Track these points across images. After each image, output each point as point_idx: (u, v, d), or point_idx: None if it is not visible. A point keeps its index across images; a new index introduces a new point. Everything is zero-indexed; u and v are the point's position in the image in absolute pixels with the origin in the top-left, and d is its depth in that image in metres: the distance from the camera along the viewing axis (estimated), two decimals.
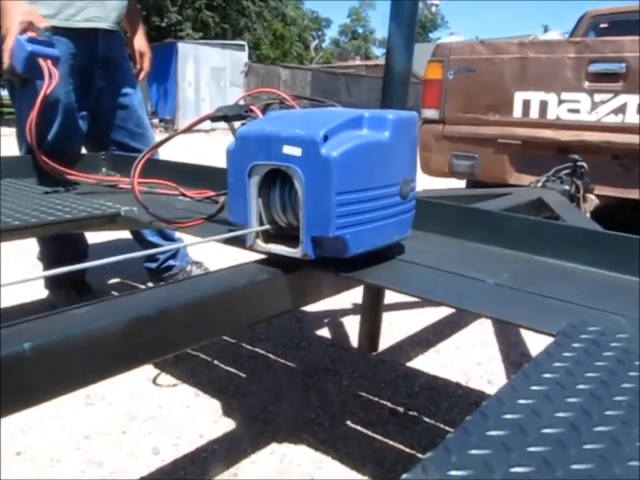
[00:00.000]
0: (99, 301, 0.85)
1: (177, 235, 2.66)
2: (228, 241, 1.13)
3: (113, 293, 2.79)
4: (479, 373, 2.15)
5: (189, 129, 1.30)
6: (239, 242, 1.08)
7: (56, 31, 1.95)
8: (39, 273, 0.75)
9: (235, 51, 19.08)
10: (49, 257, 2.59)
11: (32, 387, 0.72)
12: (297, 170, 0.95)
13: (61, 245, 2.54)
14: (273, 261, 1.05)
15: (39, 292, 2.65)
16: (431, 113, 3.54)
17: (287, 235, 1.05)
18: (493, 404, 0.61)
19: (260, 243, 1.05)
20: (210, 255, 3.12)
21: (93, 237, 3.17)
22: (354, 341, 2.34)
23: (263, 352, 2.23)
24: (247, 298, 0.98)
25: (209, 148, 11.51)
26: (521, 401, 0.61)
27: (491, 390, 2.02)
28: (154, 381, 1.99)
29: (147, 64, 2.49)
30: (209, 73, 18.34)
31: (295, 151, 0.94)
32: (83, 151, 2.39)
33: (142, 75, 2.49)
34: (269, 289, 1.02)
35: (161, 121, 17.60)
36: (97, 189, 1.76)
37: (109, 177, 1.98)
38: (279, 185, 1.01)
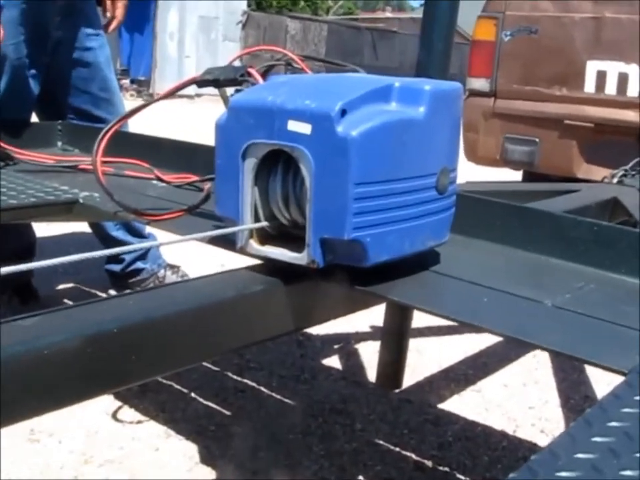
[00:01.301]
0: (48, 311, 0.86)
1: (148, 230, 2.68)
2: (213, 240, 1.14)
3: (66, 301, 2.81)
4: (530, 420, 2.15)
5: (168, 96, 1.31)
6: (226, 242, 1.09)
7: None
8: None
9: None
10: None
11: None
12: (305, 152, 0.95)
13: (2, 237, 2.56)
14: (270, 268, 1.05)
15: None
16: (479, 84, 3.54)
17: (289, 236, 1.06)
18: (545, 458, 0.61)
19: (254, 245, 1.06)
20: (189, 257, 3.13)
21: (42, 229, 3.19)
22: (371, 374, 2.35)
23: (254, 384, 2.24)
24: (234, 314, 0.99)
25: (193, 118, 11.50)
26: (580, 456, 0.62)
27: (544, 441, 2.01)
28: (114, 416, 2.00)
29: (120, 11, 2.50)
30: (197, 23, 18.39)
31: (304, 128, 0.95)
32: (34, 118, 2.41)
33: (113, 25, 2.50)
34: (264, 304, 1.02)
35: (132, 82, 17.64)
36: (49, 168, 1.77)
37: (65, 155, 2.00)
38: (281, 171, 1.02)
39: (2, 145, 1.76)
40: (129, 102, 2.90)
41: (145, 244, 0.96)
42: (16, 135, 1.87)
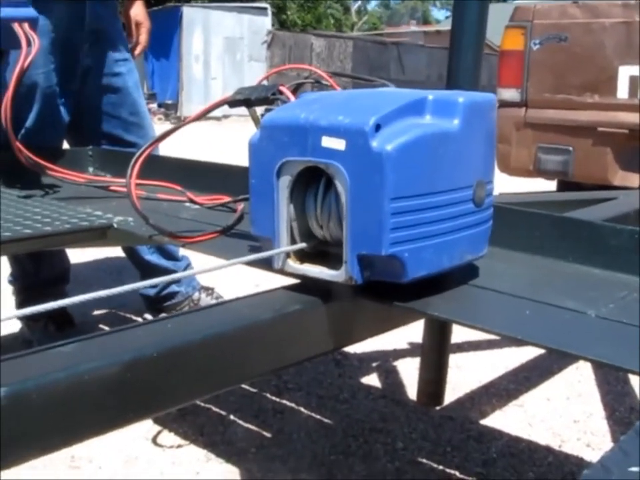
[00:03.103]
0: (85, 337, 0.86)
1: (182, 252, 2.70)
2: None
3: (102, 327, 2.84)
4: (575, 434, 2.12)
5: (199, 117, 1.32)
6: (262, 261, 1.09)
7: None
8: (9, 311, 0.77)
9: (254, 15, 19.30)
10: (22, 281, 2.64)
11: (4, 446, 0.73)
12: (340, 168, 0.95)
13: (36, 265, 2.59)
14: (307, 286, 1.05)
15: (10, 324, 2.70)
16: (509, 94, 3.53)
17: (326, 253, 1.06)
18: (596, 474, 0.60)
19: (292, 264, 1.06)
20: (223, 278, 3.14)
21: (76, 255, 3.22)
22: (411, 392, 2.33)
23: (293, 405, 2.24)
24: (273, 336, 0.98)
25: (223, 140, 11.61)
26: (634, 469, 0.60)
27: (590, 456, 1.98)
28: (154, 441, 2.01)
29: (144, 36, 2.54)
30: (222, 44, 18.59)
31: (338, 144, 0.95)
32: (65, 145, 2.44)
33: (138, 50, 2.54)
34: (303, 324, 1.02)
35: (160, 106, 17.86)
36: (82, 193, 1.79)
37: (98, 177, 2.01)
38: (316, 188, 1.02)
39: (36, 158, 1.75)
40: (157, 125, 2.92)
41: (188, 272, 0.97)
42: (48, 161, 1.88)
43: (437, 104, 1.01)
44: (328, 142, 0.96)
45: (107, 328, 2.77)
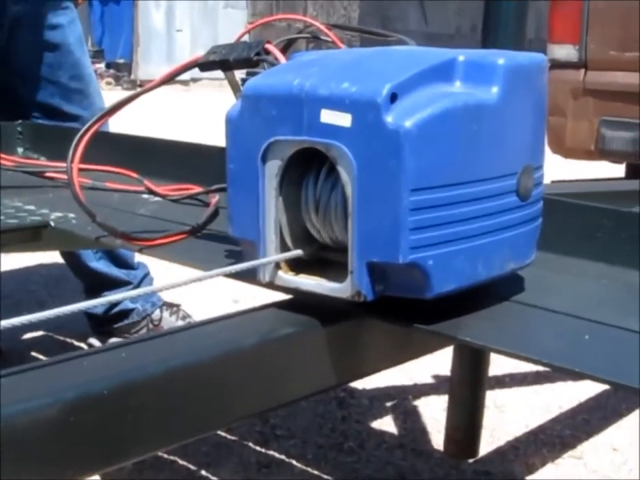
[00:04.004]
0: (14, 370, 0.86)
1: (138, 257, 2.70)
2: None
3: (35, 356, 2.83)
4: None
5: (161, 84, 1.32)
6: (245, 272, 1.09)
7: None
8: None
9: None
10: None
11: None
12: (344, 150, 0.95)
13: None
14: (302, 304, 1.05)
15: None
16: (564, 52, 3.53)
17: (327, 261, 1.06)
18: None
19: (282, 275, 1.06)
20: (192, 291, 3.14)
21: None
22: (436, 440, 2.33)
23: (283, 457, 2.24)
24: (258, 367, 0.98)
25: (191, 111, 11.61)
26: None
27: None
28: None
29: None
30: None
31: (342, 119, 0.95)
32: None
33: None
34: (296, 353, 1.02)
35: (109, 67, 17.83)
36: (8, 181, 1.79)
37: (30, 160, 2.01)
38: (314, 176, 1.02)
39: None
40: (105, 93, 2.92)
41: (146, 289, 0.96)
42: None
43: (469, 67, 1.01)
44: (329, 117, 0.96)
45: (41, 357, 2.76)
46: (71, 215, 1.46)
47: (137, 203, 1.60)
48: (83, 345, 2.89)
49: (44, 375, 0.87)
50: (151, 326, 2.79)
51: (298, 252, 1.05)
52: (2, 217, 1.47)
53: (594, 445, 2.38)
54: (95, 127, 1.25)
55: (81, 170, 1.27)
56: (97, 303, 0.97)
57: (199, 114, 11.13)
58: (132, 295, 1.12)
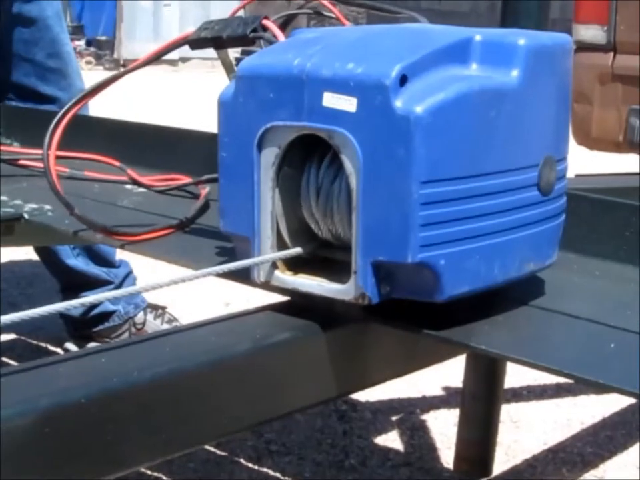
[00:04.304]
0: None
1: (120, 254, 2.69)
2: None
3: (6, 361, 2.83)
4: None
5: (147, 63, 1.32)
6: (237, 271, 1.09)
7: None
8: None
9: None
10: None
11: None
12: (349, 138, 0.95)
13: None
14: (300, 306, 1.06)
15: None
16: (591, 33, 3.53)
17: (329, 261, 1.06)
18: None
19: (279, 275, 1.06)
20: (179, 292, 3.14)
21: None
22: (446, 458, 2.33)
23: (278, 475, 2.24)
24: (251, 376, 0.99)
25: (180, 93, 11.61)
26: None
27: None
28: None
29: None
30: None
31: (346, 104, 0.95)
32: None
33: None
34: (293, 360, 1.03)
35: (90, 44, 17.82)
36: None
37: (3, 146, 2.01)
38: (315, 165, 1.02)
39: None
40: (86, 72, 2.92)
41: (129, 289, 0.96)
42: None
43: (487, 48, 1.01)
44: (332, 100, 0.96)
45: (13, 363, 2.76)
46: (47, 207, 1.46)
47: (119, 194, 1.60)
48: (58, 350, 2.89)
49: (16, 382, 0.87)
50: (133, 330, 2.79)
51: (297, 250, 1.05)
52: None
53: (617, 463, 2.38)
54: (74, 110, 1.25)
55: (58, 157, 1.27)
56: (75, 304, 0.97)
57: (188, 97, 11.14)
58: (113, 295, 1.12)
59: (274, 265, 1.06)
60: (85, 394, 0.84)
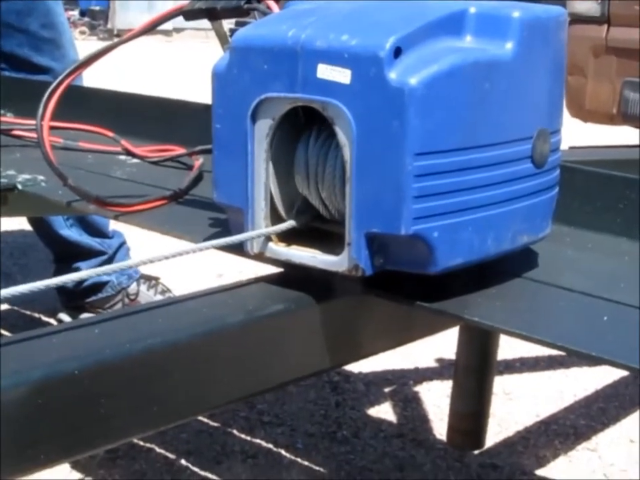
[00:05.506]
0: None
1: (113, 225, 2.69)
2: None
3: (0, 332, 2.83)
4: None
5: (141, 34, 1.31)
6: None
7: None
8: None
9: None
10: None
11: None
12: (343, 109, 0.94)
13: None
14: (293, 278, 1.06)
15: None
16: (585, 5, 3.53)
17: (322, 232, 1.06)
18: None
19: (273, 246, 1.06)
20: (171, 263, 3.13)
21: None
22: (439, 429, 2.34)
23: (270, 446, 2.24)
24: (244, 348, 0.99)
25: (174, 64, 11.58)
26: None
27: None
28: None
29: None
30: None
31: (340, 75, 0.95)
32: None
33: None
34: (287, 332, 1.03)
35: (83, 14, 17.76)
36: None
37: None
38: (309, 137, 1.02)
39: None
40: (79, 43, 2.91)
41: (124, 263, 0.96)
42: None
43: (481, 20, 1.01)
44: (326, 72, 0.95)
45: (7, 334, 2.76)
46: (41, 178, 1.45)
47: (112, 164, 1.60)
48: (52, 320, 2.89)
49: (9, 353, 0.86)
50: (126, 301, 2.79)
51: (290, 223, 1.05)
52: None
53: (610, 436, 2.39)
54: (68, 81, 1.24)
55: (51, 128, 1.27)
56: (75, 277, 0.97)
57: (182, 67, 11.12)
58: (111, 269, 1.12)
59: (267, 237, 1.06)
60: (78, 366, 0.84)
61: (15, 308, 3.03)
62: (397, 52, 0.93)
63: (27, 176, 1.47)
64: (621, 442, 2.36)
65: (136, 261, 1.11)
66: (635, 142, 3.79)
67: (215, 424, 2.32)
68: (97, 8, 17.76)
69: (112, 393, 0.88)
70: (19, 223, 3.53)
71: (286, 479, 2.10)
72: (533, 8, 1.06)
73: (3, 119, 1.91)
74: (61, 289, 2.77)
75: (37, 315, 2.97)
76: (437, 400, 2.49)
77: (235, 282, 1.06)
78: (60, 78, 1.23)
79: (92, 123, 1.64)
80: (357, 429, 2.34)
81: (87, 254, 2.69)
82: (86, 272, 0.99)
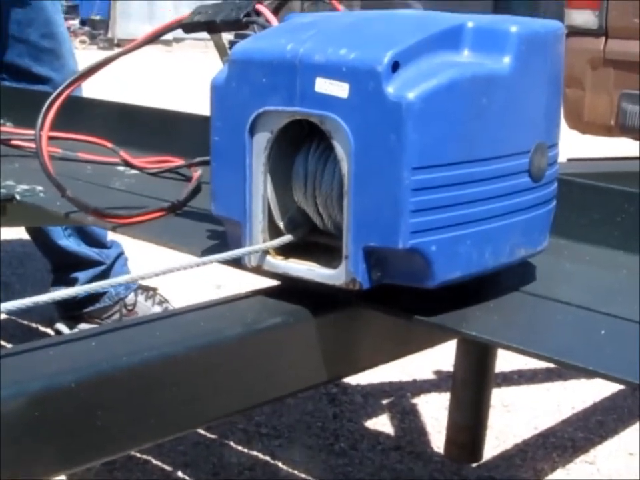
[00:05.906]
0: None
1: (111, 235, 2.69)
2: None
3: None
4: None
5: (142, 45, 1.32)
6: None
7: None
8: None
9: None
10: None
11: None
12: (340, 123, 0.95)
13: None
14: (291, 291, 1.06)
15: None
16: (583, 18, 3.53)
17: (320, 246, 1.06)
18: None
19: (270, 259, 1.06)
20: (170, 275, 3.13)
21: None
22: (437, 442, 2.34)
23: (267, 458, 2.24)
24: (242, 360, 0.99)
25: (173, 75, 11.58)
26: None
27: None
28: None
29: None
30: None
31: (338, 89, 0.95)
32: None
33: None
34: (284, 345, 1.03)
35: (84, 24, 17.77)
36: None
37: None
38: (306, 150, 1.02)
39: None
40: (80, 52, 2.92)
41: (125, 277, 0.97)
42: None
43: (479, 34, 1.01)
44: (324, 86, 0.96)
45: (4, 344, 2.75)
46: (39, 188, 1.46)
47: (111, 175, 1.60)
48: (49, 331, 2.89)
49: (6, 365, 0.86)
50: (124, 311, 2.79)
51: (288, 237, 1.05)
52: None
53: (608, 449, 2.39)
54: (67, 91, 1.25)
55: (50, 138, 1.27)
56: (79, 291, 0.98)
57: (181, 78, 11.11)
58: (115, 282, 1.12)
59: (265, 250, 1.06)
60: (75, 378, 0.84)
61: (13, 318, 3.03)
62: (395, 66, 0.93)
63: (25, 186, 1.48)
64: (619, 455, 2.36)
65: (137, 275, 1.11)
66: (633, 154, 3.79)
67: (212, 436, 2.32)
68: (98, 17, 17.76)
69: (109, 406, 0.88)
70: (17, 232, 3.52)
71: None
72: (531, 22, 1.07)
73: (3, 128, 1.91)
74: (58, 301, 2.76)
75: (34, 325, 2.97)
76: (434, 412, 2.49)
77: (233, 295, 1.06)
78: (60, 89, 1.23)
79: (91, 133, 1.64)
80: (355, 441, 2.34)
81: (85, 264, 2.69)
82: (87, 286, 0.99)
